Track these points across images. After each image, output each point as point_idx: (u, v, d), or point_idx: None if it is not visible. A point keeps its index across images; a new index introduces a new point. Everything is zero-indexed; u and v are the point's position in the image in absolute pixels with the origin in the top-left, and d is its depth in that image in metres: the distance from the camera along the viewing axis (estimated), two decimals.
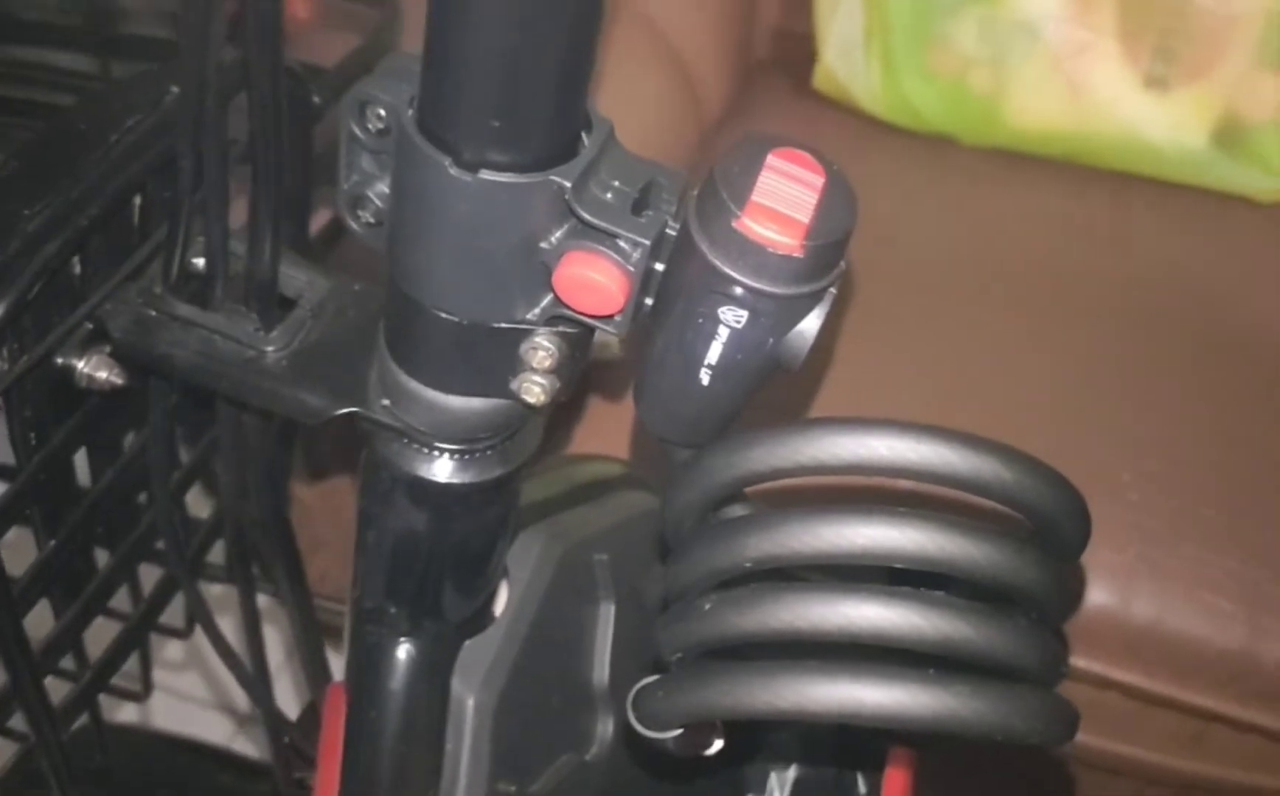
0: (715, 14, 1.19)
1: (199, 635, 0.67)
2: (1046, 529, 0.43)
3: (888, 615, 0.41)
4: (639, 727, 0.46)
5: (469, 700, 0.53)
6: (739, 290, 0.40)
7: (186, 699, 1.30)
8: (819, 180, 0.41)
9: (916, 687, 0.41)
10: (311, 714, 0.70)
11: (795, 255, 0.40)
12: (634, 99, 1.04)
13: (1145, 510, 0.92)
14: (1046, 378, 0.99)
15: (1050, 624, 0.45)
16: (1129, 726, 0.97)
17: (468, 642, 0.54)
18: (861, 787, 0.66)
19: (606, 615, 0.60)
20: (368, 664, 0.52)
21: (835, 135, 1.16)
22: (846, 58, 1.16)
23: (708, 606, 0.44)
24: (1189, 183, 1.14)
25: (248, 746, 1.31)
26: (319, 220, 0.63)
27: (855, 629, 0.41)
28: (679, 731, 0.46)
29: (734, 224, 0.40)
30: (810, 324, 0.42)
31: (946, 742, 0.51)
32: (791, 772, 0.66)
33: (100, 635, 0.63)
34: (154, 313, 0.48)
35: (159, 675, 0.75)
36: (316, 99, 0.56)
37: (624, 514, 0.65)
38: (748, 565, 0.43)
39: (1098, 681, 0.94)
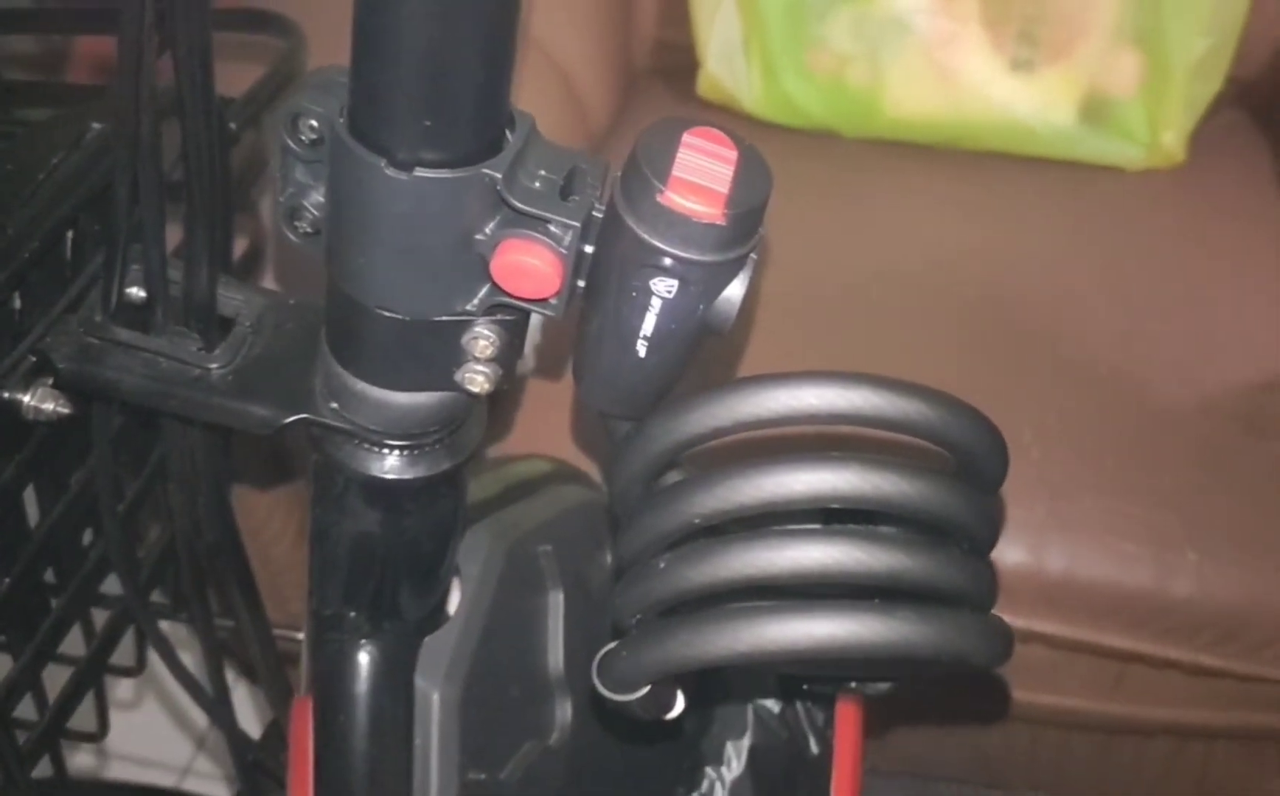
0: (594, 28, 1.21)
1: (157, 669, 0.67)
2: (969, 463, 0.46)
3: (833, 553, 0.44)
4: (605, 692, 0.48)
5: (434, 694, 0.54)
6: (668, 261, 0.43)
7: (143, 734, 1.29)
8: (733, 154, 0.44)
9: (865, 617, 0.44)
10: (275, 732, 0.70)
11: (718, 223, 0.42)
12: None
13: (1049, 467, 0.96)
14: (938, 350, 1.03)
15: (980, 552, 0.48)
16: (1053, 676, 1.01)
17: (427, 640, 0.55)
18: (814, 748, 0.68)
19: (556, 604, 0.62)
20: (331, 670, 0.53)
21: None
22: (727, 63, 1.20)
23: (661, 565, 0.46)
24: (1061, 158, 1.19)
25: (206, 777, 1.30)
26: (238, 248, 0.64)
27: (804, 569, 0.44)
28: (643, 692, 0.48)
29: (659, 199, 0.42)
30: (736, 289, 0.44)
31: (897, 682, 0.54)
32: (746, 740, 0.68)
33: (54, 683, 0.63)
34: (96, 341, 0.49)
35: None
36: (232, 126, 0.57)
37: (561, 507, 0.67)
38: (696, 522, 0.45)
39: (1020, 635, 0.97)
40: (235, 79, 0.62)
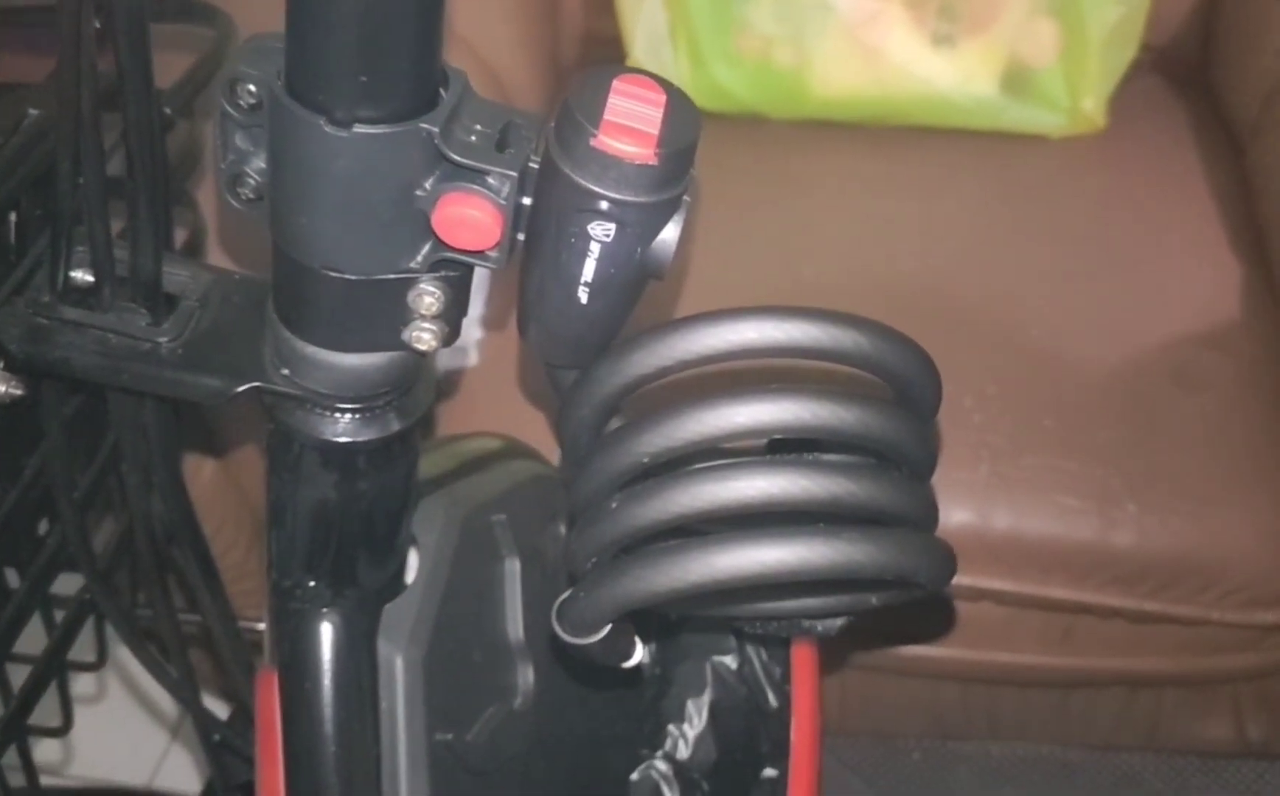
0: (521, 23, 1.22)
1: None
2: (906, 390, 0.48)
3: (779, 482, 0.45)
4: (565, 637, 0.49)
5: (397, 658, 0.55)
6: (605, 204, 0.44)
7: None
8: (661, 98, 0.45)
9: (813, 541, 0.45)
10: (242, 712, 0.70)
11: (650, 164, 0.43)
12: None
13: (990, 430, 0.98)
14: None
15: (920, 476, 0.49)
16: (1004, 633, 1.03)
17: (387, 607, 0.56)
18: (773, 702, 0.69)
19: (512, 572, 0.63)
20: (294, 639, 0.54)
21: None
22: (654, 53, 1.21)
23: (614, 505, 0.47)
24: (985, 128, 1.21)
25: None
26: (178, 238, 0.64)
27: (750, 499, 0.45)
28: (602, 635, 0.48)
29: (592, 143, 0.43)
30: (671, 231, 0.45)
31: (848, 615, 0.55)
32: (706, 696, 0.69)
33: (16, 681, 0.63)
34: (45, 320, 0.50)
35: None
36: (167, 110, 0.58)
37: (514, 479, 0.67)
38: (645, 462, 0.46)
39: (969, 593, 0.99)
40: (166, 69, 0.63)
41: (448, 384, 1.02)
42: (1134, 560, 0.97)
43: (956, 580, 0.95)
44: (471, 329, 1.03)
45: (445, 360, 1.01)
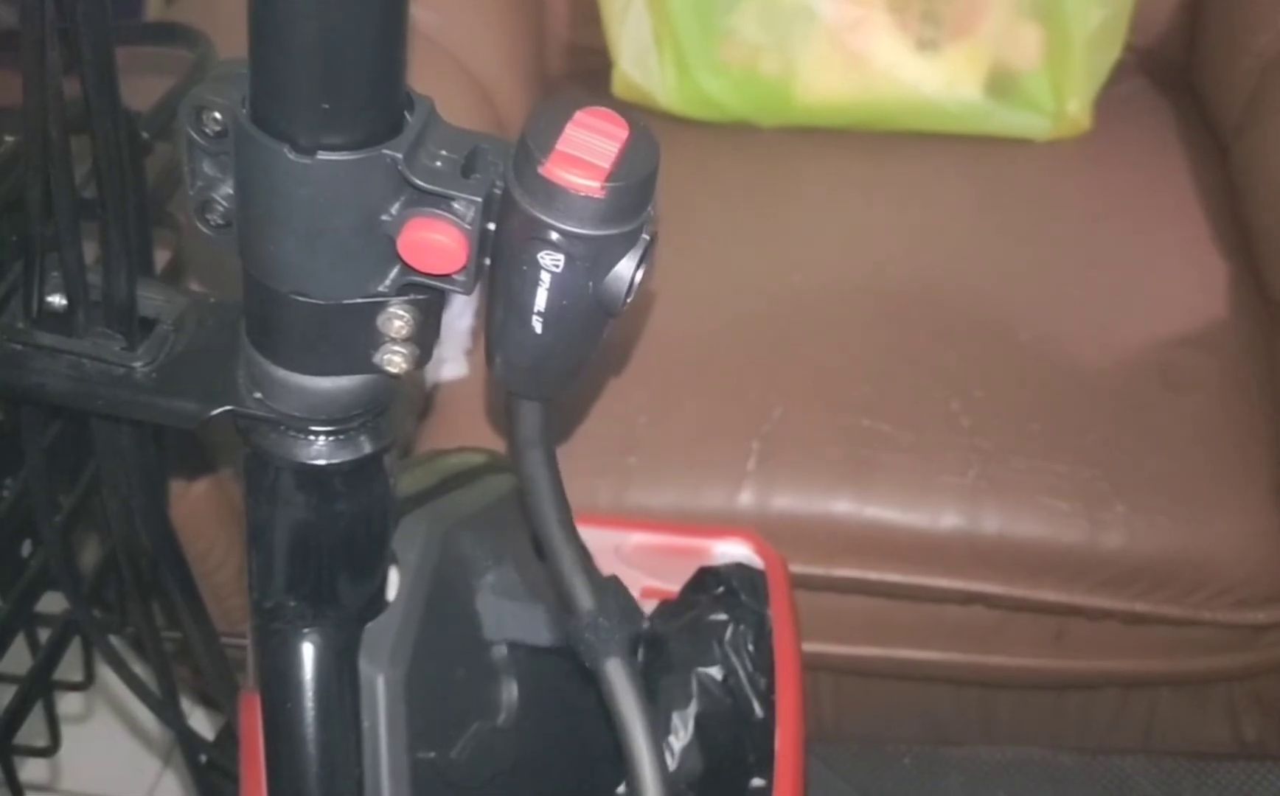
0: (508, 36, 1.23)
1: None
2: None
3: None
4: None
5: (379, 677, 0.55)
6: (554, 234, 0.44)
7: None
8: (622, 133, 0.45)
9: None
10: (228, 732, 0.70)
11: (596, 197, 0.43)
12: None
13: (978, 433, 0.98)
14: (863, 330, 1.05)
15: None
16: (997, 636, 1.03)
17: (369, 626, 0.56)
18: (758, 712, 0.69)
19: (496, 588, 0.63)
20: (276, 660, 0.54)
21: None
22: (640, 63, 1.21)
23: None
24: (971, 133, 1.21)
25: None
26: (160, 260, 0.65)
27: None
28: None
29: (540, 171, 0.43)
30: (625, 267, 0.45)
31: None
32: (692, 709, 0.69)
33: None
34: (20, 346, 0.50)
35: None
36: (144, 135, 0.58)
37: (494, 495, 0.67)
38: None
39: (960, 597, 0.99)
40: (149, 92, 0.63)
41: (438, 395, 1.02)
42: (1123, 562, 0.97)
43: (948, 584, 0.97)
44: (463, 340, 1.03)
45: (436, 372, 1.02)
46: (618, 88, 1.24)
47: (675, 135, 1.21)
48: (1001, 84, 1.20)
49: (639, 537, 0.73)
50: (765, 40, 1.18)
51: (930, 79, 1.19)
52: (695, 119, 1.23)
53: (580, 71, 1.33)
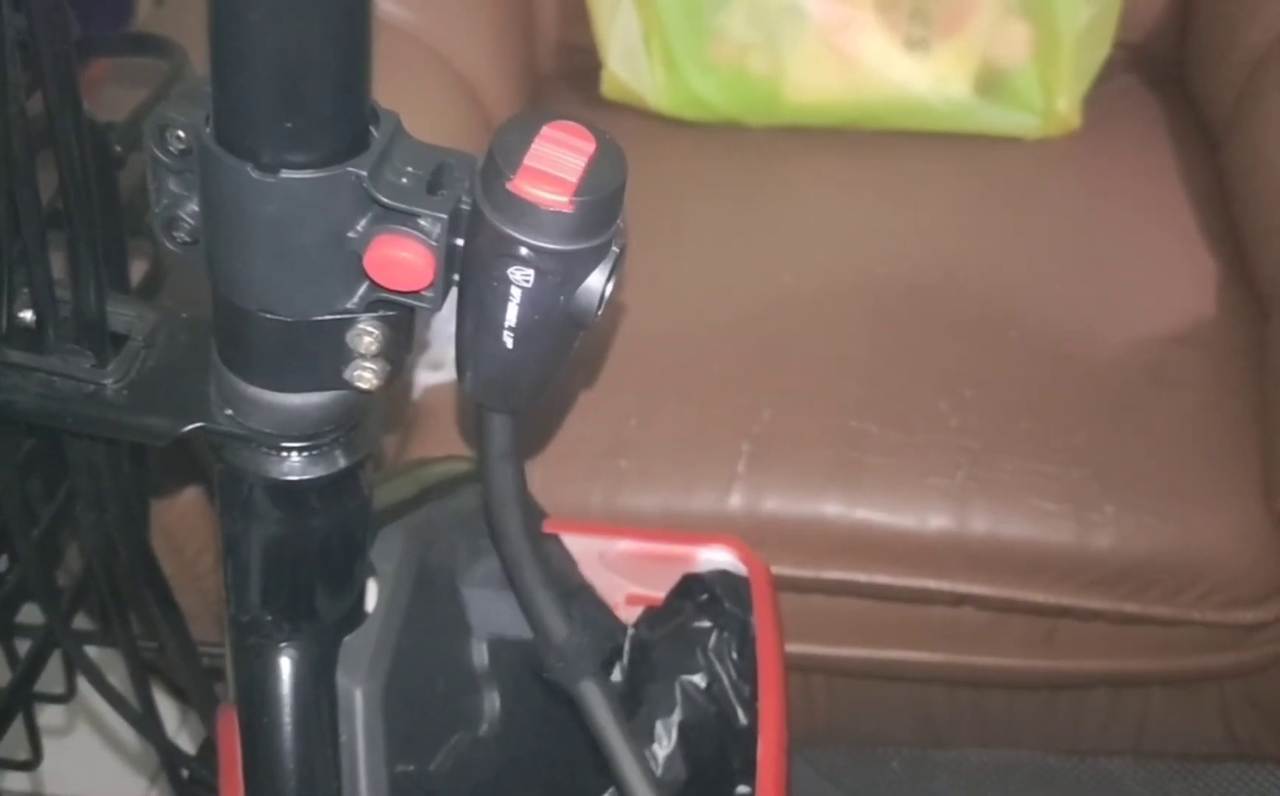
0: (497, 36, 1.22)
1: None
2: None
3: None
4: None
5: (356, 691, 0.55)
6: (523, 250, 0.44)
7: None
8: (590, 147, 0.45)
9: None
10: (210, 747, 0.70)
11: (565, 211, 0.43)
12: (425, 127, 1.07)
13: (967, 433, 0.98)
14: (852, 330, 1.04)
15: None
16: (987, 637, 1.02)
17: (346, 639, 0.56)
18: (742, 719, 0.69)
19: (476, 599, 0.63)
20: (253, 674, 0.54)
21: (628, 136, 1.19)
22: (630, 63, 1.21)
23: None
24: (960, 131, 1.21)
25: None
26: (137, 271, 0.64)
27: None
28: None
29: (508, 187, 0.43)
30: (595, 280, 0.45)
31: None
32: (676, 717, 0.69)
33: None
34: None
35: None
36: (118, 148, 0.58)
37: (477, 504, 0.67)
38: None
39: (949, 599, 0.99)
40: (131, 104, 0.63)
41: (427, 399, 1.02)
42: (1113, 562, 0.96)
43: (937, 586, 0.97)
44: (450, 347, 1.03)
45: (424, 379, 1.01)
46: (606, 88, 1.24)
47: (664, 135, 1.21)
48: (991, 82, 1.19)
49: (624, 545, 0.73)
50: (754, 39, 1.18)
51: (919, 78, 1.18)
52: (684, 119, 1.23)
53: (570, 71, 1.33)
